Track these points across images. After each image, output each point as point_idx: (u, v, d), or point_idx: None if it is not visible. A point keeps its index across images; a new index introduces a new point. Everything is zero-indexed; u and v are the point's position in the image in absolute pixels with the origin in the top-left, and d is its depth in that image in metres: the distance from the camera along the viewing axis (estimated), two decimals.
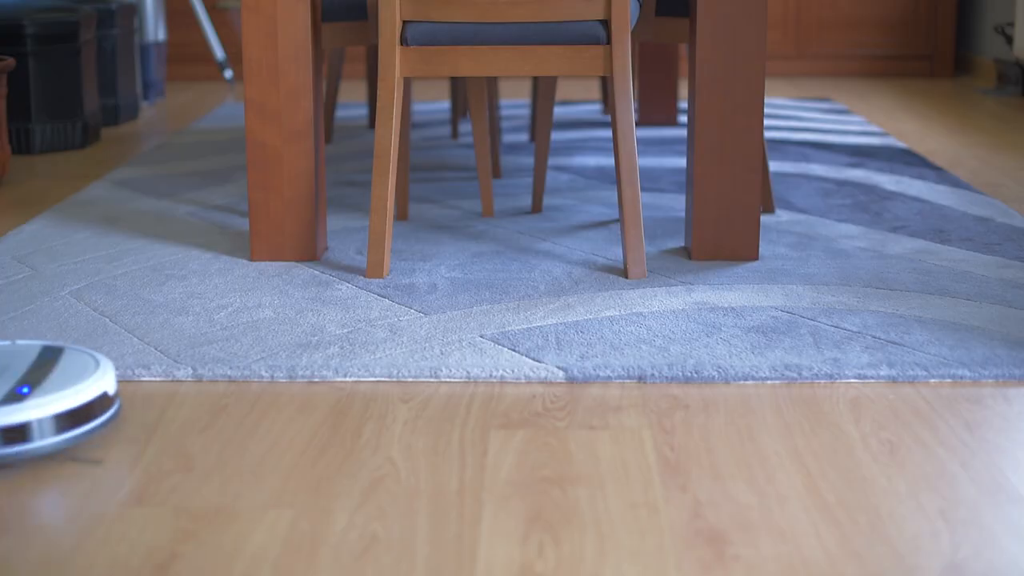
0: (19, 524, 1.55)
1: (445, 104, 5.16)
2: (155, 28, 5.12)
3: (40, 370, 1.83)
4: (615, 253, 2.78)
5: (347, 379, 2.06)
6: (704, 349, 2.15)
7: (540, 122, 3.14)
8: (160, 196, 3.41)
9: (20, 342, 1.96)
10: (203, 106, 5.22)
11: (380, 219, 2.59)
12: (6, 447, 1.70)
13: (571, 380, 2.05)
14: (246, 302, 2.43)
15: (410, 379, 2.06)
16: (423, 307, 2.40)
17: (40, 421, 1.72)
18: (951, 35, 5.96)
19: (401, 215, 3.11)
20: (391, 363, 2.09)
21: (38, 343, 1.95)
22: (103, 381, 1.81)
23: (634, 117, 2.78)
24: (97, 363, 1.86)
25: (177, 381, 2.06)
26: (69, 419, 1.75)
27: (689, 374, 2.05)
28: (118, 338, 2.22)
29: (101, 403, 1.80)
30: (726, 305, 2.40)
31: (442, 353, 2.13)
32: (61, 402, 1.74)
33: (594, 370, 2.05)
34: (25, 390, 1.76)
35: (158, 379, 2.07)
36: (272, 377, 2.06)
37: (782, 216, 3.13)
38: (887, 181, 3.56)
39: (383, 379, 2.06)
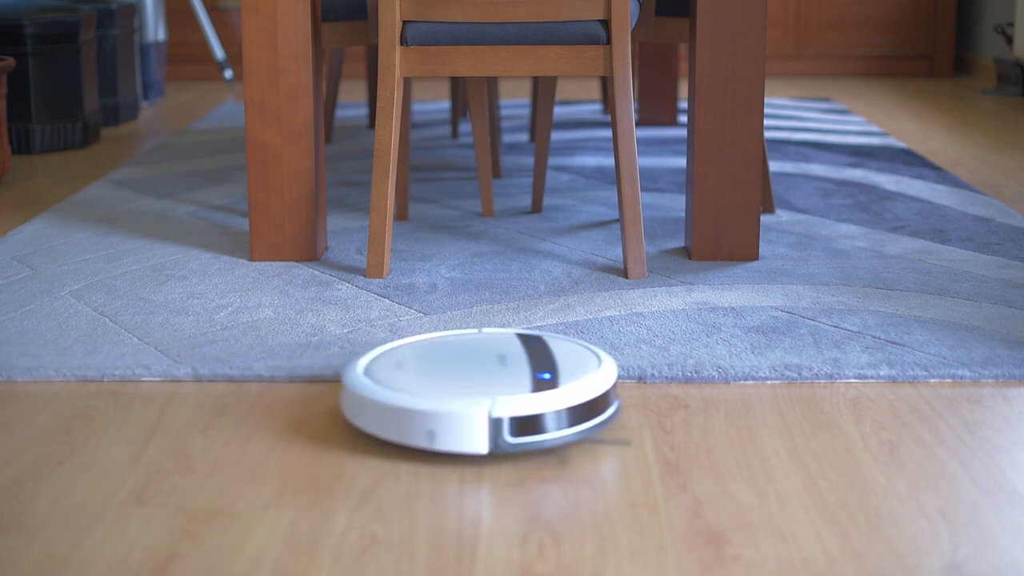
0: (19, 524, 1.55)
1: (445, 104, 5.16)
2: (155, 28, 5.12)
3: (543, 358, 1.82)
4: (615, 253, 2.78)
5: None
6: (704, 349, 2.15)
7: (540, 122, 3.14)
8: (160, 196, 3.41)
9: (487, 330, 1.97)
10: (203, 106, 5.22)
11: (380, 219, 2.59)
12: (543, 433, 1.69)
13: None
14: (246, 302, 2.43)
15: None
16: (423, 307, 2.40)
17: (573, 408, 1.72)
18: (951, 35, 5.96)
19: (401, 215, 3.11)
20: None
21: (511, 331, 1.96)
22: (612, 371, 1.81)
23: (634, 117, 2.78)
24: (595, 355, 1.86)
25: (177, 381, 2.06)
26: (599, 404, 1.75)
27: (689, 374, 2.05)
28: (118, 338, 2.22)
29: (614, 392, 1.80)
30: (726, 305, 2.40)
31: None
32: (590, 388, 1.74)
33: None
34: (547, 376, 1.75)
35: (158, 379, 2.07)
36: (272, 377, 2.06)
37: (782, 216, 3.13)
38: (887, 181, 3.56)
39: None
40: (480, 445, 1.68)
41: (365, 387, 1.76)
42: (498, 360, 1.83)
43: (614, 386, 1.80)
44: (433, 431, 1.68)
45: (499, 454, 1.74)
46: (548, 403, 1.70)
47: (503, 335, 1.95)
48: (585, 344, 1.92)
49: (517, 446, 1.68)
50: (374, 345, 2.17)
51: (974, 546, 1.49)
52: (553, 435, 1.70)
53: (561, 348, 1.89)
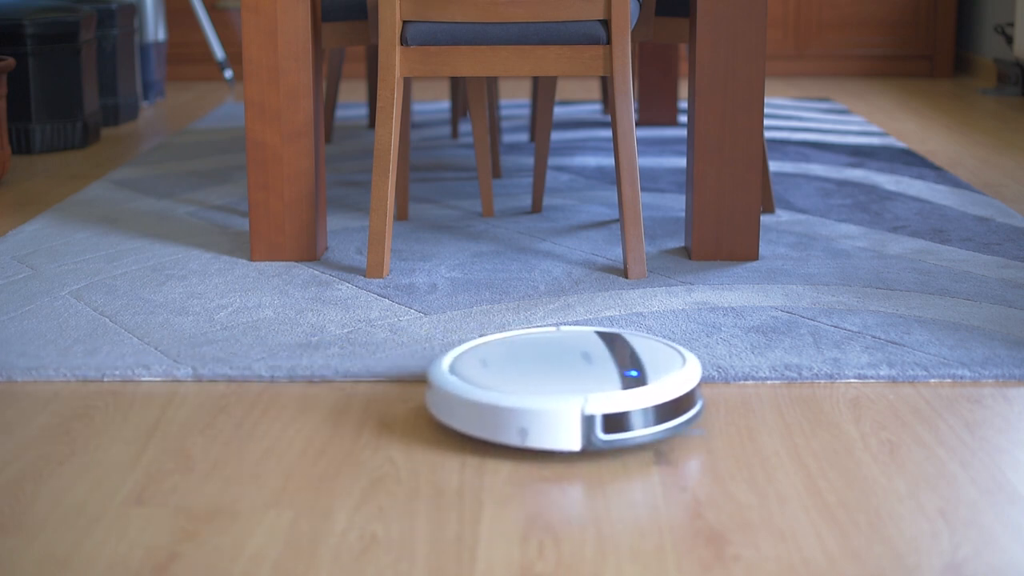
0: (19, 524, 1.55)
1: (445, 104, 5.16)
2: (155, 28, 5.12)
3: (627, 356, 1.83)
4: (615, 253, 2.78)
5: (347, 379, 2.06)
6: (704, 349, 2.15)
7: (540, 122, 3.14)
8: (160, 196, 3.41)
9: (565, 328, 1.98)
10: (203, 106, 5.22)
11: (380, 219, 2.59)
12: (632, 430, 1.70)
13: None
14: (246, 302, 2.43)
15: (410, 379, 2.06)
16: (423, 307, 2.40)
17: (662, 405, 1.73)
18: (951, 35, 5.96)
19: (401, 215, 3.11)
20: (391, 363, 2.09)
21: (589, 329, 1.97)
22: (696, 368, 1.82)
23: (634, 117, 2.78)
24: (678, 352, 1.87)
25: (177, 381, 2.06)
26: (686, 402, 1.76)
27: None
28: (118, 338, 2.22)
29: (698, 390, 1.82)
30: (726, 305, 2.40)
31: (442, 353, 2.13)
32: (678, 385, 1.75)
33: None
34: (635, 373, 1.76)
35: (158, 379, 2.07)
36: (272, 377, 2.06)
37: (782, 216, 3.13)
38: (887, 181, 3.56)
39: (383, 379, 2.06)
40: (572, 443, 1.69)
41: (454, 385, 1.77)
42: (583, 358, 1.84)
43: (699, 383, 1.81)
44: (525, 429, 1.69)
45: (591, 451, 1.75)
46: (639, 400, 1.71)
47: (582, 333, 1.96)
48: (666, 341, 1.93)
49: (608, 443, 1.70)
50: (374, 345, 2.17)
51: (974, 546, 1.49)
52: (643, 432, 1.71)
53: (643, 345, 1.90)
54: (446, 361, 1.86)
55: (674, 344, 1.92)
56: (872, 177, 3.61)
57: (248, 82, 2.67)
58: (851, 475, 1.68)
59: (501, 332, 1.99)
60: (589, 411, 1.68)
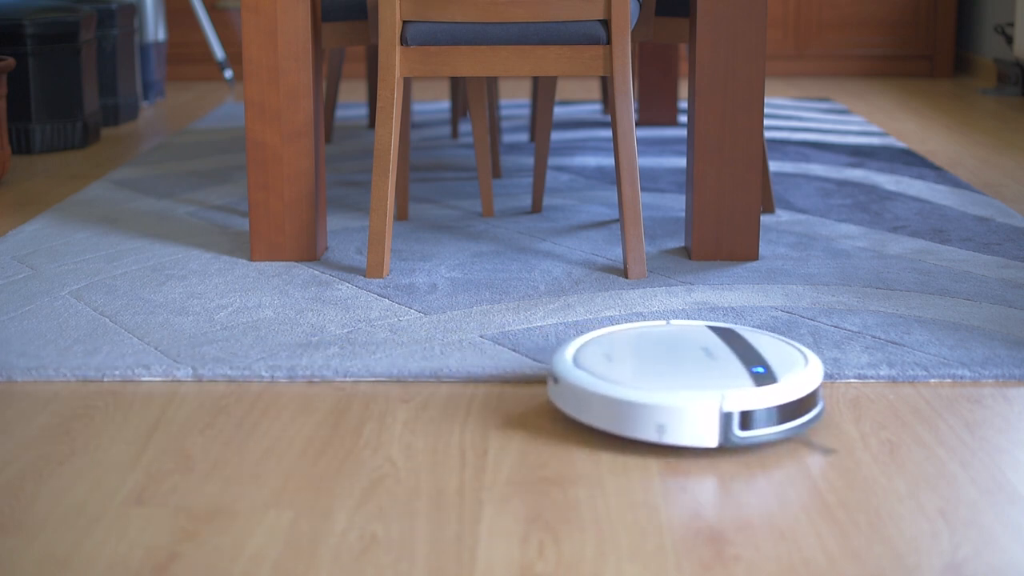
0: (19, 524, 1.55)
1: (445, 104, 5.16)
2: (155, 28, 5.12)
3: (746, 352, 1.85)
4: (615, 253, 2.78)
5: (347, 379, 2.06)
6: None
7: (540, 122, 3.14)
8: (160, 196, 3.41)
9: (675, 322, 1.99)
10: (203, 106, 5.22)
11: (380, 219, 2.59)
12: (759, 428, 1.71)
13: None
14: (246, 302, 2.43)
15: (410, 379, 2.06)
16: (423, 307, 2.40)
17: (794, 403, 1.74)
18: (951, 35, 5.96)
19: (401, 215, 3.11)
20: (391, 363, 2.09)
21: (700, 323, 1.98)
22: (819, 365, 1.83)
23: (634, 117, 2.78)
24: (795, 348, 1.88)
25: (177, 381, 2.06)
26: (812, 400, 1.77)
27: None
28: (118, 338, 2.22)
29: (820, 388, 1.83)
30: (726, 305, 2.40)
31: (442, 353, 2.13)
32: (807, 383, 1.76)
33: None
34: (762, 370, 1.78)
35: (158, 379, 2.07)
36: (272, 377, 2.06)
37: (782, 216, 3.13)
38: (887, 181, 3.56)
39: (383, 379, 2.06)
40: (710, 439, 1.71)
41: (587, 380, 1.77)
42: (704, 352, 1.85)
43: (817, 391, 1.83)
44: (663, 425, 1.71)
45: (728, 447, 1.76)
46: (774, 398, 1.73)
47: (694, 327, 1.97)
48: (778, 336, 1.95)
49: (744, 440, 1.71)
50: (374, 345, 2.17)
51: (974, 546, 1.49)
52: (776, 429, 1.73)
53: (759, 341, 1.91)
54: (568, 355, 1.86)
55: (788, 339, 1.94)
56: (872, 177, 3.61)
57: (248, 82, 2.67)
58: (851, 475, 1.68)
59: (608, 327, 2.00)
60: (727, 408, 1.70)
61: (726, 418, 1.70)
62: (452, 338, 2.21)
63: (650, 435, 1.72)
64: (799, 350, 1.88)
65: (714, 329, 1.96)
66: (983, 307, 2.38)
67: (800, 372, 1.78)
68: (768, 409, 1.72)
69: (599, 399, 1.75)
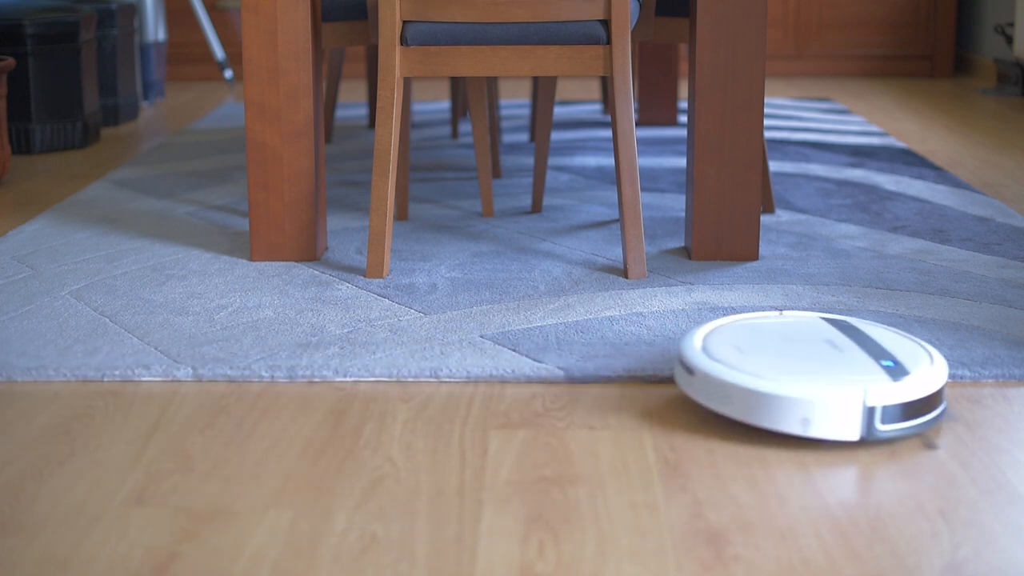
0: (19, 524, 1.55)
1: (445, 104, 5.16)
2: (155, 28, 5.12)
3: (869, 345, 1.87)
4: (615, 253, 2.78)
5: (347, 379, 2.06)
6: None
7: (540, 122, 3.14)
8: (160, 196, 3.41)
9: (788, 313, 2.01)
10: (203, 106, 5.22)
11: (380, 219, 2.59)
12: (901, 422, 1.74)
13: (571, 380, 2.05)
14: (246, 302, 2.43)
15: (410, 379, 2.06)
16: (423, 307, 2.40)
17: (928, 397, 1.76)
18: (951, 35, 5.96)
19: (401, 215, 3.11)
20: (391, 363, 2.09)
21: (813, 314, 2.01)
22: (942, 359, 1.85)
23: (634, 117, 2.78)
24: (914, 341, 1.91)
25: (177, 381, 2.06)
26: (940, 395, 1.79)
27: None
28: (118, 338, 2.22)
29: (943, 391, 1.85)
30: (726, 305, 2.40)
31: (442, 353, 2.13)
32: (938, 377, 1.78)
33: (594, 370, 2.05)
34: (891, 364, 1.80)
35: (158, 379, 2.07)
36: (272, 377, 2.06)
37: (782, 216, 3.13)
38: (887, 181, 3.56)
39: (383, 379, 2.06)
40: (853, 432, 1.73)
41: (729, 374, 1.79)
42: (829, 345, 1.88)
43: (943, 389, 1.85)
44: (808, 419, 1.73)
45: (870, 441, 1.78)
46: (912, 392, 1.75)
47: (809, 318, 2.00)
48: (890, 328, 1.97)
49: (885, 434, 1.73)
50: (374, 345, 2.17)
51: (974, 546, 1.49)
52: (911, 423, 1.75)
53: (878, 334, 1.94)
54: (697, 346, 1.88)
55: (903, 332, 1.97)
56: (872, 177, 3.61)
57: (248, 82, 2.67)
58: (851, 475, 1.68)
59: (722, 318, 2.02)
60: (870, 402, 1.72)
61: (869, 412, 1.73)
62: (452, 338, 2.21)
63: (794, 428, 1.74)
64: (921, 345, 1.91)
65: (830, 321, 1.99)
66: (983, 307, 2.38)
67: (929, 367, 1.81)
68: (906, 404, 1.75)
69: (741, 391, 1.77)
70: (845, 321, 1.98)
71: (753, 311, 2.36)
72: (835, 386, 1.73)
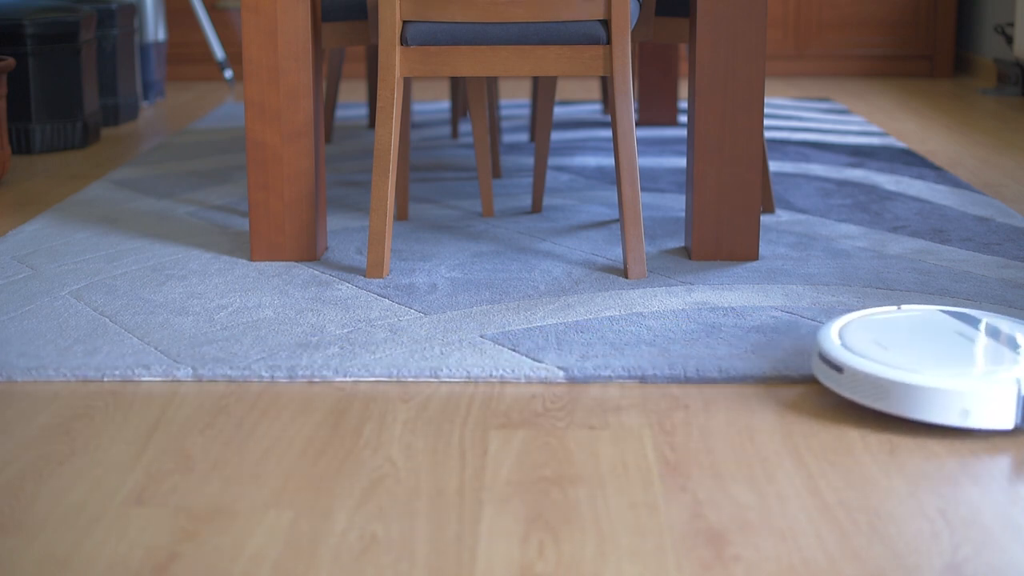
0: (19, 524, 1.55)
1: (445, 104, 5.16)
2: (155, 28, 5.12)
3: (997, 336, 1.92)
4: (615, 253, 2.78)
5: (347, 379, 2.06)
6: (704, 349, 2.15)
7: (540, 122, 3.14)
8: (160, 196, 3.41)
9: (906, 307, 2.07)
10: (203, 106, 5.22)
11: (380, 219, 2.59)
12: None
13: (571, 380, 2.05)
14: (246, 302, 2.43)
15: (410, 379, 2.06)
16: (423, 307, 2.40)
17: None
18: (951, 35, 5.96)
19: (401, 215, 3.11)
20: (391, 363, 2.09)
21: (932, 307, 2.06)
22: None
23: (634, 117, 2.78)
24: None
25: (177, 381, 2.06)
26: None
27: (690, 374, 2.05)
28: (118, 338, 2.22)
29: None
30: (726, 305, 2.40)
31: (442, 353, 2.13)
32: None
33: (594, 370, 2.05)
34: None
35: (158, 379, 2.07)
36: (272, 377, 2.06)
37: (782, 216, 3.13)
38: (887, 181, 3.56)
39: (383, 379, 2.06)
40: (1008, 421, 1.78)
41: (883, 370, 1.82)
42: (962, 337, 1.93)
43: None
44: (967, 410, 1.77)
45: (1022, 429, 1.83)
46: None
47: (930, 311, 2.05)
48: (1005, 317, 2.01)
49: None
50: (374, 345, 2.17)
51: (974, 546, 1.49)
52: None
53: (1000, 324, 1.98)
54: (837, 343, 1.92)
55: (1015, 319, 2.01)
56: (872, 177, 3.61)
57: (248, 82, 2.67)
58: (851, 475, 1.68)
59: (844, 316, 2.05)
60: None
61: (1023, 401, 1.77)
62: (452, 338, 2.21)
63: (953, 420, 1.78)
64: None
65: (950, 313, 2.03)
66: (983, 307, 2.38)
67: None
68: None
69: (899, 387, 1.80)
70: (965, 312, 2.04)
71: (753, 311, 2.36)
72: (991, 378, 1.78)
